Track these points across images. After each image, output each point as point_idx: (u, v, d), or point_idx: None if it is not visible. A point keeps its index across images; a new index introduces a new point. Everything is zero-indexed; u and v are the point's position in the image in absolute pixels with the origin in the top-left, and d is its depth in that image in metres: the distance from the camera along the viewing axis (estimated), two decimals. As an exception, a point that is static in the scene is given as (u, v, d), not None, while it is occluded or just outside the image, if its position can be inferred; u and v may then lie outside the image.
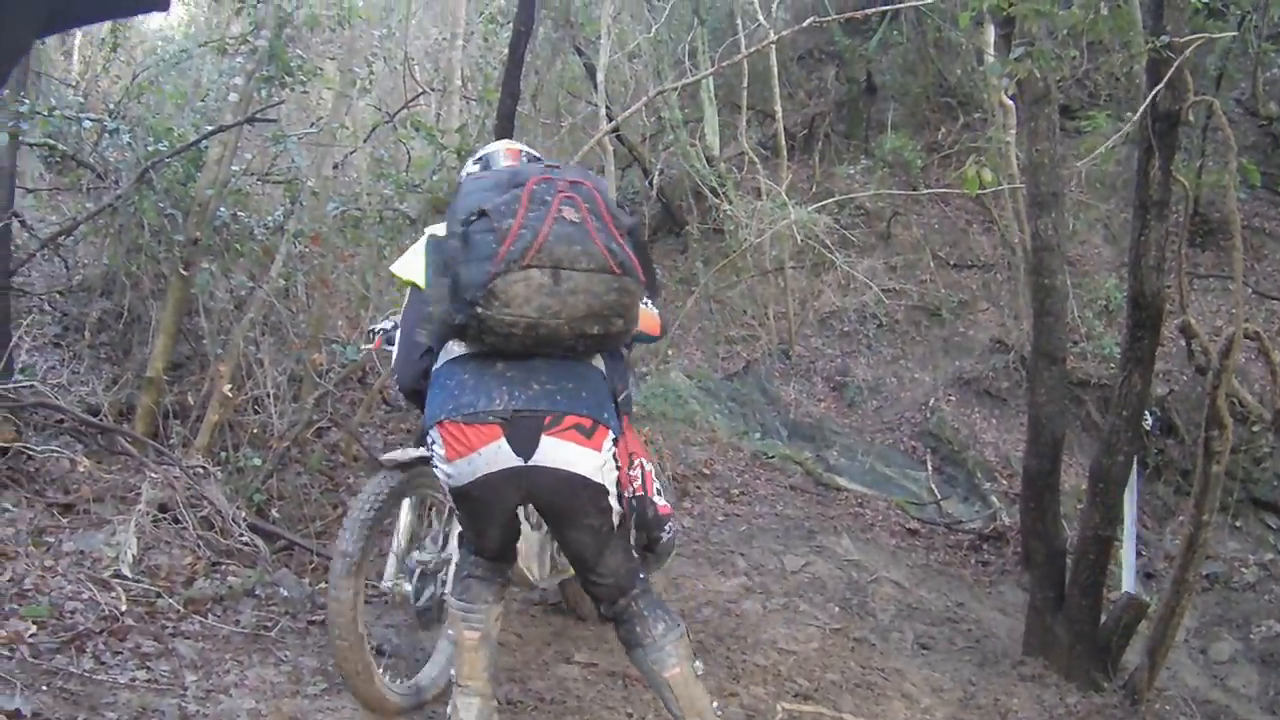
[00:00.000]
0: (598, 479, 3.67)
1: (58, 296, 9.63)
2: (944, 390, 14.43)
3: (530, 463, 3.61)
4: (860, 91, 20.09)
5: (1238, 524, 12.00)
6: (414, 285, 4.33)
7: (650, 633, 3.87)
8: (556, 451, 3.60)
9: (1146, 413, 8.06)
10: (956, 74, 18.67)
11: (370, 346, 5.47)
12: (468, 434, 3.65)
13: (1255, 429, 11.89)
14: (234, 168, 9.30)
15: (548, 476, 3.62)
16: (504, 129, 9.23)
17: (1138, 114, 6.46)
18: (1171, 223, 7.09)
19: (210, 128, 8.75)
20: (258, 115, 9.16)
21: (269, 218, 9.69)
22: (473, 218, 3.54)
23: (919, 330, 15.75)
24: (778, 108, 17.34)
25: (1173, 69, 6.12)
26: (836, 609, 8.31)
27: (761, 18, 16.89)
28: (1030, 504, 8.24)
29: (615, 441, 3.76)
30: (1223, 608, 10.95)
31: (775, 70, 17.49)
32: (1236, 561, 11.55)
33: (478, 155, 4.49)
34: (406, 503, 4.88)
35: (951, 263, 16.75)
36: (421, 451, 4.44)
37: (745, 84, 17.63)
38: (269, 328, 9.45)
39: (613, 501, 3.77)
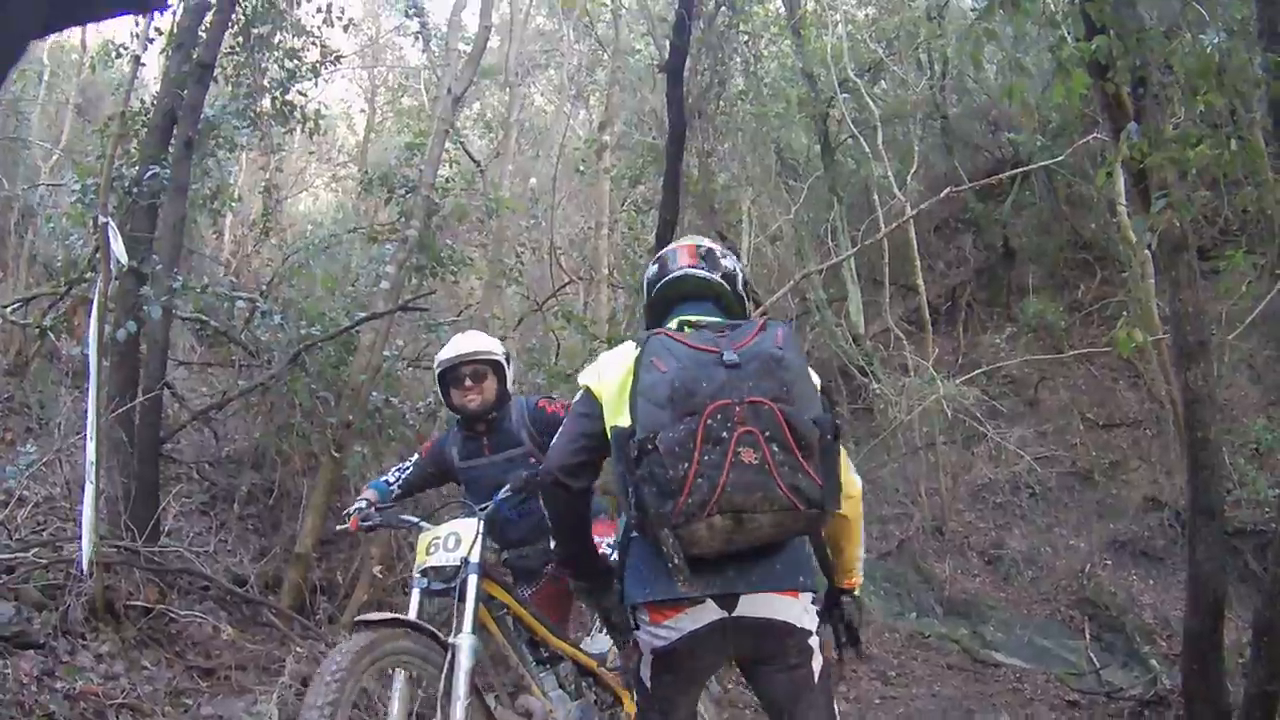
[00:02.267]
0: (800, 623, 3.55)
1: (207, 467, 9.92)
2: (1100, 555, 14.13)
3: (735, 614, 3.49)
4: (998, 257, 20.12)
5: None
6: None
7: None
8: (759, 603, 3.49)
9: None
10: (1091, 229, 18.55)
11: (347, 526, 5.28)
12: (669, 609, 3.57)
13: None
14: (386, 353, 9.57)
15: (751, 624, 3.50)
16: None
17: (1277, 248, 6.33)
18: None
19: (361, 314, 9.06)
20: (409, 304, 9.44)
21: (420, 403, 9.89)
22: (648, 445, 3.29)
23: (1072, 495, 15.45)
24: (920, 281, 17.38)
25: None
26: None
27: (897, 191, 17.03)
28: (1193, 665, 8.02)
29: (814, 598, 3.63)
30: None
31: (914, 243, 17.57)
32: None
33: (657, 256, 4.24)
34: (400, 676, 4.39)
35: (1100, 423, 16.49)
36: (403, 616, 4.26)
37: (886, 259, 17.70)
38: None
39: (814, 645, 3.63)
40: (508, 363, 5.63)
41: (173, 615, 6.84)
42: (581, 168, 17.82)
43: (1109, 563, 13.89)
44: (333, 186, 25.49)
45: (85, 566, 5.99)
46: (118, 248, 6.45)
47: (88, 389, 6.20)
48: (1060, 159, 14.02)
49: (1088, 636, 12.64)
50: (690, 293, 3.92)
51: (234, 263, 16.28)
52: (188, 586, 7.39)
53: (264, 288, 12.53)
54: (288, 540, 8.88)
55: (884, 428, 15.07)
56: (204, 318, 10.40)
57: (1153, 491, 14.50)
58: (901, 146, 19.28)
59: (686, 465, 3.23)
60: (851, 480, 3.64)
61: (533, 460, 5.27)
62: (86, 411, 6.20)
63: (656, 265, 4.07)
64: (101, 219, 6.75)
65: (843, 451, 3.46)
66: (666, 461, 3.25)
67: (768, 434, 3.24)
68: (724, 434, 3.22)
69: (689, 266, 3.89)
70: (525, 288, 15.64)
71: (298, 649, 6.94)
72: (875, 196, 18.34)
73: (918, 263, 17.52)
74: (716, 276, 3.87)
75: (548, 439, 4.09)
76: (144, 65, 10.16)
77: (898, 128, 19.51)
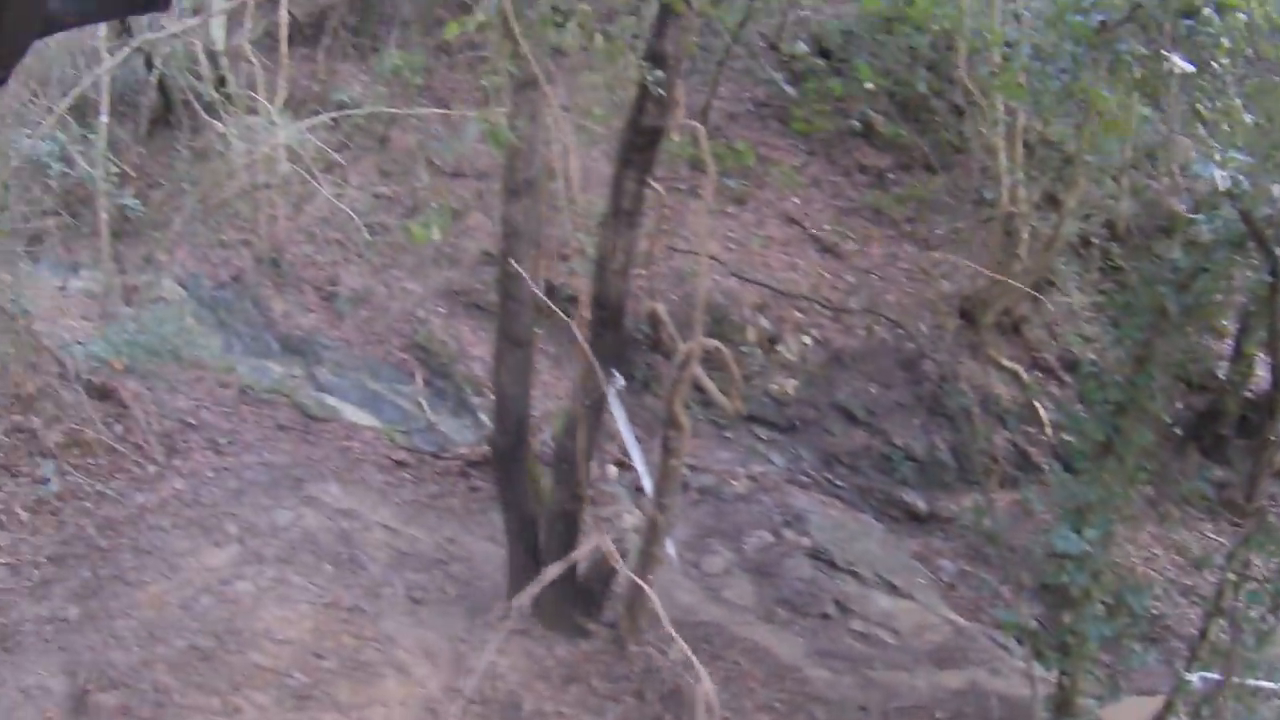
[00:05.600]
0: None
1: None
2: (433, 302, 14.44)
3: None
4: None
5: (728, 435, 12.59)
6: None
7: None
8: None
9: (615, 375, 8.31)
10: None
11: None
12: None
13: (744, 349, 12.44)
14: None
15: None
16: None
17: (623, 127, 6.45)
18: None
19: None
20: None
21: None
22: None
23: (409, 239, 15.52)
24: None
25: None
26: (329, 568, 8.20)
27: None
28: (501, 476, 8.49)
29: None
30: (714, 519, 11.51)
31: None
32: (726, 473, 12.13)
33: None
34: None
35: (447, 171, 16.53)
36: None
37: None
38: None
39: None
40: None
41: None
42: None
43: (442, 311, 14.21)
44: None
45: None
46: None
47: None
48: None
49: (419, 382, 13.05)
50: None
51: None
52: None
53: None
54: None
55: (223, 169, 14.48)
56: None
57: (491, 245, 14.81)
58: None
59: None
60: None
61: None
62: None
63: None
64: None
65: None
66: None
67: None
68: None
69: None
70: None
71: None
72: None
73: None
74: None
75: None
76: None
77: None
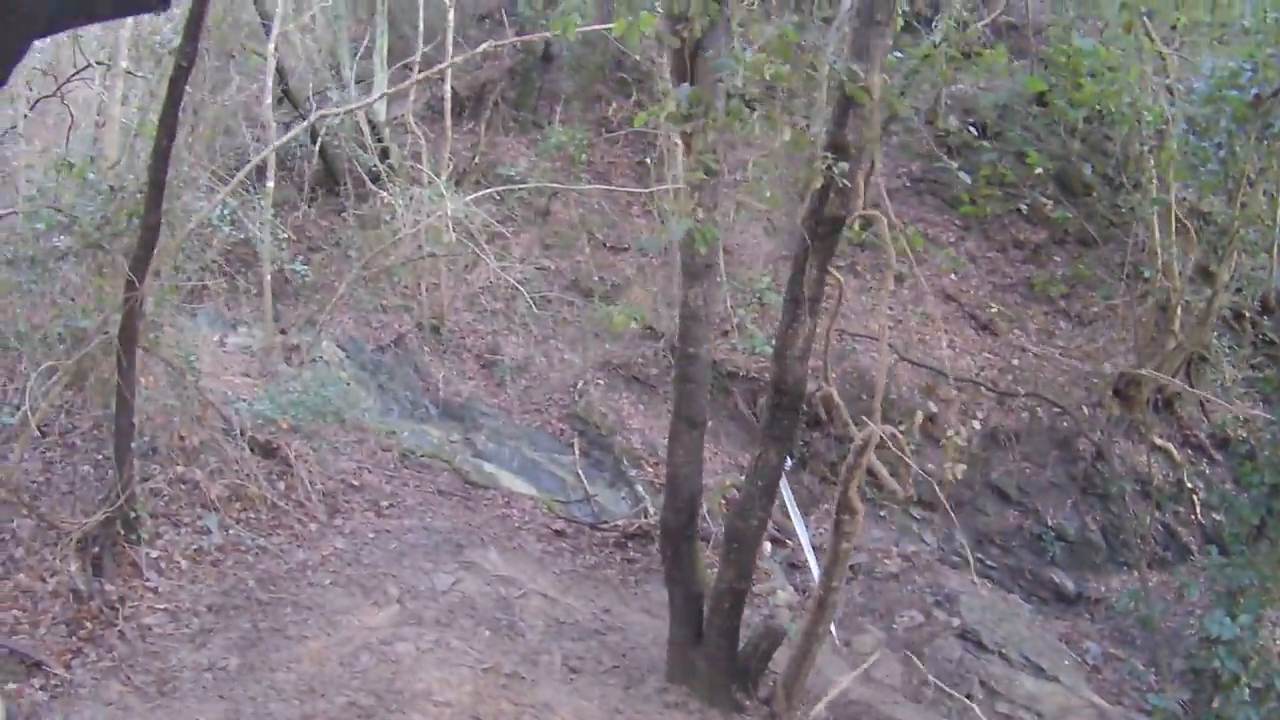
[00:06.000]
0: None
1: None
2: (593, 373, 14.65)
3: None
4: (536, 59, 19.81)
5: (882, 514, 12.59)
6: None
7: None
8: None
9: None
10: (635, 57, 18.63)
11: None
12: None
13: (902, 428, 12.46)
14: None
15: None
16: (158, 168, 8.29)
17: (801, 216, 6.57)
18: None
19: None
20: None
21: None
22: None
23: (571, 311, 15.86)
24: (448, 71, 16.93)
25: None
26: (487, 633, 8.35)
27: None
28: (669, 553, 8.48)
29: None
30: (866, 598, 11.52)
31: (450, 31, 17.10)
32: (880, 551, 12.14)
33: None
34: None
35: (608, 245, 16.86)
36: None
37: (421, 44, 17.13)
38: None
39: None
40: None
41: None
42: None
43: (601, 382, 14.42)
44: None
45: None
46: None
47: None
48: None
49: (577, 453, 13.22)
50: None
51: None
52: None
53: None
54: None
55: (388, 236, 14.98)
56: None
57: (650, 319, 15.08)
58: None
59: None
60: None
61: None
62: None
63: None
64: None
65: None
66: None
67: None
68: None
69: None
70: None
71: None
72: None
73: (450, 51, 17.10)
74: None
75: None
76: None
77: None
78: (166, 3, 2.58)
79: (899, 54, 7.72)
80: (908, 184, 16.93)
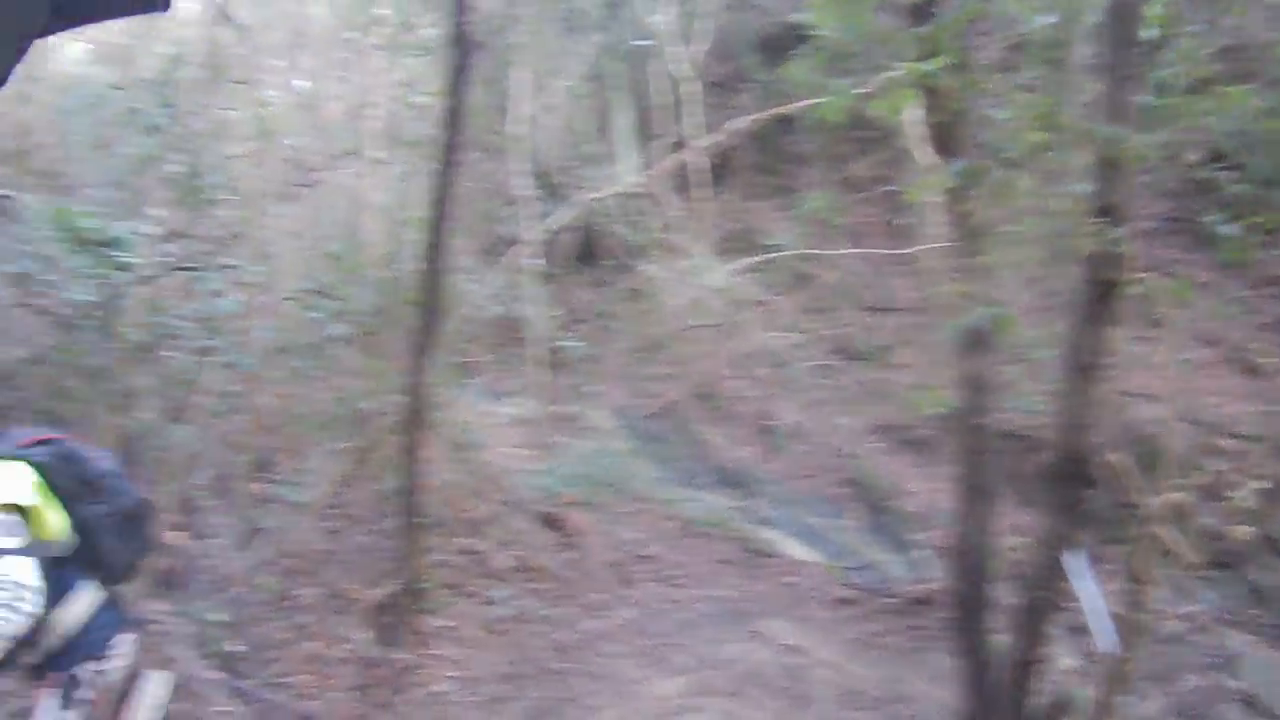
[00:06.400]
0: None
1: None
2: (867, 436, 14.67)
3: None
4: (774, 122, 20.02)
5: (1161, 573, 12.14)
6: None
7: None
8: None
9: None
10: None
11: None
12: None
13: (1186, 492, 12.06)
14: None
15: None
16: (433, 258, 8.79)
17: (1073, 285, 6.49)
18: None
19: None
20: (179, 267, 9.14)
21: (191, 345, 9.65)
22: None
23: (840, 374, 15.83)
24: (696, 142, 17.24)
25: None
26: (777, 703, 8.43)
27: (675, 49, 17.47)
28: (957, 622, 8.36)
29: None
30: (1148, 662, 11.06)
31: (692, 99, 17.44)
32: (1159, 612, 11.67)
33: None
34: None
35: (870, 306, 16.84)
36: None
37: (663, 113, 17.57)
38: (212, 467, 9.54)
39: None
40: None
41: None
42: (352, 35, 16.99)
43: (874, 446, 14.39)
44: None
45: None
46: None
47: None
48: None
49: (855, 518, 13.16)
50: None
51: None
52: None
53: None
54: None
55: (654, 308, 15.33)
56: None
57: (921, 379, 14.93)
58: (685, 6, 19.05)
59: None
60: None
61: None
62: None
63: None
64: None
65: None
66: None
67: None
68: None
69: None
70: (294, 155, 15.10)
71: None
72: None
73: (685, 122, 17.44)
74: None
75: None
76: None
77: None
78: (167, 3, 2.65)
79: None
80: (1159, 224, 16.40)
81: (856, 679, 9.28)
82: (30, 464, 4.07)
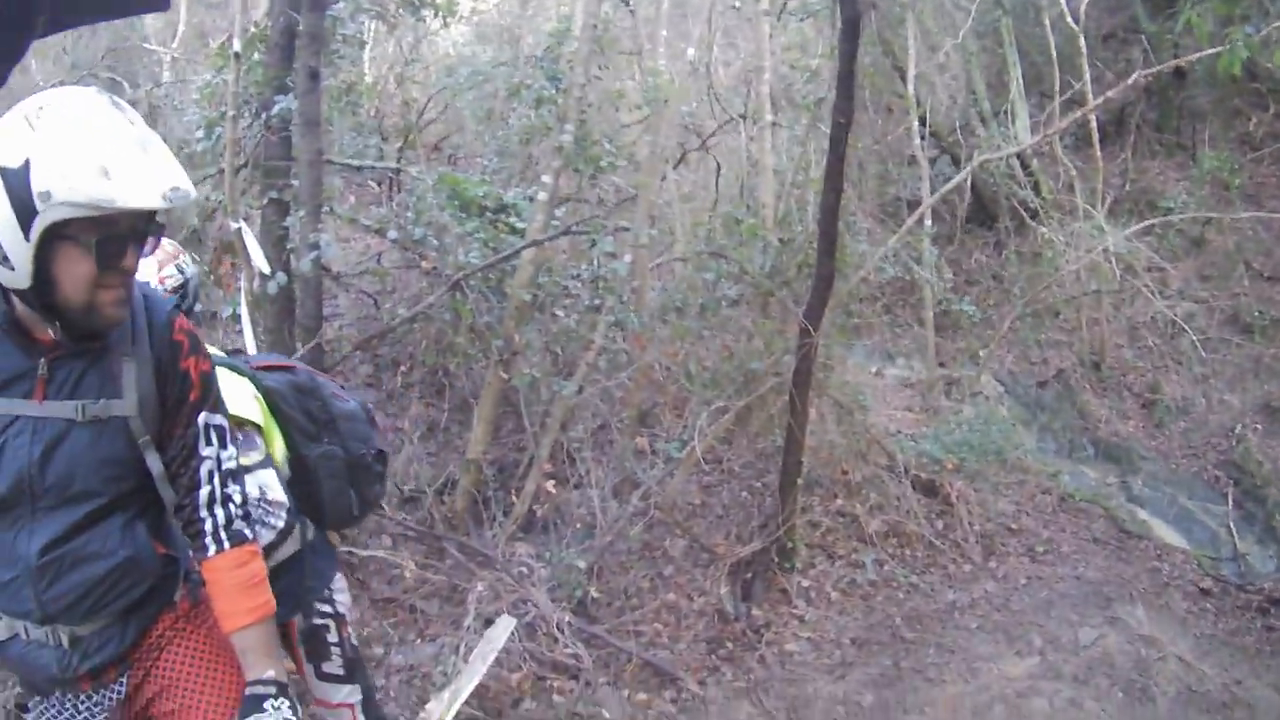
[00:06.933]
0: None
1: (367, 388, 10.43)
2: (1252, 416, 14.34)
3: None
4: (1169, 77, 19.27)
5: None
6: None
7: None
8: None
9: None
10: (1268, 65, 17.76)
11: None
12: None
13: None
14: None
15: None
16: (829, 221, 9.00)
17: None
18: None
19: (520, 242, 9.34)
20: (572, 229, 9.67)
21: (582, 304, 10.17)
22: None
23: (1230, 347, 15.34)
24: (1090, 97, 16.81)
25: None
26: (1120, 695, 8.45)
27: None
28: None
29: None
30: None
31: (1084, 53, 17.03)
32: None
33: None
34: None
35: (1265, 274, 16.21)
36: None
37: (1056, 70, 17.33)
38: (592, 420, 10.03)
39: None
40: None
41: (354, 552, 7.41)
42: (738, 3, 17.44)
43: (1259, 427, 14.11)
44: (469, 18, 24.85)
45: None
46: (255, 255, 6.60)
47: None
48: None
49: (1230, 504, 12.99)
50: None
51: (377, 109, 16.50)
52: (369, 525, 7.96)
53: (411, 134, 12.89)
54: (458, 452, 9.44)
55: (1049, 273, 15.09)
56: (354, 163, 10.87)
57: (1312, 354, 14.35)
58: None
59: None
60: None
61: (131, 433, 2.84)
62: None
63: None
64: (234, 225, 7.02)
65: None
66: None
67: None
68: None
69: None
70: (687, 121, 15.59)
71: (479, 587, 7.36)
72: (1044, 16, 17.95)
73: (1087, 76, 17.01)
74: None
75: (171, 404, 2.93)
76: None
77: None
78: (167, 2, 2.73)
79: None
80: None
81: (1203, 678, 9.21)
82: (258, 385, 3.88)
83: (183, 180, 2.59)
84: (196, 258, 9.78)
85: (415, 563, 7.85)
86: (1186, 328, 14.95)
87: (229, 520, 2.96)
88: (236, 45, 8.54)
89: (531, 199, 9.99)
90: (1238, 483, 13.28)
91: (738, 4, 17.18)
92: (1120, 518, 12.60)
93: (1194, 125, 18.42)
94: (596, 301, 10.04)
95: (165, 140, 2.63)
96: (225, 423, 3.01)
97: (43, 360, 2.69)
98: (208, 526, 2.93)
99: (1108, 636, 9.62)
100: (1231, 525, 12.60)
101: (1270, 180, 16.97)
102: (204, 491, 2.92)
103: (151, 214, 2.61)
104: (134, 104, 13.42)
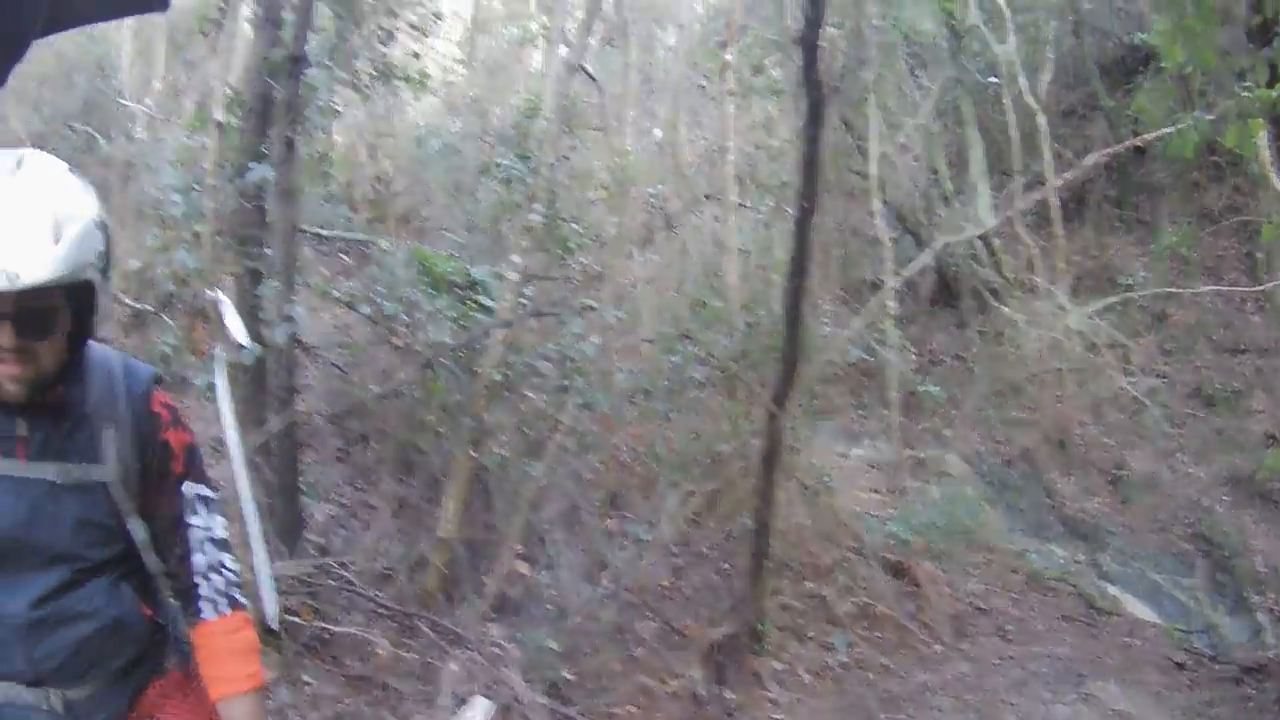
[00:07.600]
0: None
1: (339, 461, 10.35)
2: (1217, 488, 14.37)
3: None
4: (1128, 153, 19.51)
5: None
6: None
7: None
8: None
9: None
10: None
11: None
12: None
13: None
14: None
15: None
16: (793, 306, 9.22)
17: None
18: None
19: (492, 323, 9.28)
20: (542, 312, 9.67)
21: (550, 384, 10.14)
22: None
23: (1194, 421, 15.41)
24: (1049, 176, 16.99)
25: None
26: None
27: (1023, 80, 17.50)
28: None
29: None
30: None
31: (1044, 133, 17.22)
32: None
33: None
34: None
35: (1226, 347, 16.31)
36: None
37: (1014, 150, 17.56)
38: (562, 501, 10.01)
39: None
40: (105, 269, 2.50)
41: (328, 629, 7.33)
42: (704, 82, 17.58)
43: (1226, 498, 14.11)
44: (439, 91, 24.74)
45: (273, 623, 6.05)
46: (234, 326, 6.54)
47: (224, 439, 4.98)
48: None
49: (1199, 576, 12.92)
50: None
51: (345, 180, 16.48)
52: (342, 601, 7.88)
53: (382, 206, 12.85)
54: (429, 530, 9.36)
55: (1011, 352, 15.20)
56: (323, 232, 10.86)
57: (1274, 428, 14.42)
58: (1028, 34, 18.86)
59: None
60: None
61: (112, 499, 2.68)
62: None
63: None
64: (210, 295, 6.96)
65: None
66: None
67: None
68: None
69: None
70: (657, 201, 15.63)
71: (453, 666, 7.30)
72: (1004, 95, 18.14)
73: (1048, 155, 17.20)
74: None
75: (153, 475, 2.77)
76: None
77: (1026, 15, 18.95)
78: (166, 2, 2.77)
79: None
80: None
81: (1178, 753, 9.15)
82: None
83: (21, 264, 2.29)
84: (171, 323, 9.82)
85: (389, 640, 7.74)
86: (1149, 403, 15.07)
87: (226, 586, 2.91)
88: (219, 115, 8.54)
89: (500, 276, 9.99)
90: (1206, 554, 13.26)
91: (704, 83, 17.33)
92: (1090, 594, 12.54)
93: (1153, 200, 18.66)
94: (565, 382, 10.00)
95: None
96: (212, 494, 2.93)
97: (19, 420, 2.60)
98: (204, 591, 2.86)
99: (1082, 714, 9.53)
100: (1201, 597, 12.59)
101: (1229, 253, 17.20)
102: (198, 559, 2.86)
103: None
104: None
